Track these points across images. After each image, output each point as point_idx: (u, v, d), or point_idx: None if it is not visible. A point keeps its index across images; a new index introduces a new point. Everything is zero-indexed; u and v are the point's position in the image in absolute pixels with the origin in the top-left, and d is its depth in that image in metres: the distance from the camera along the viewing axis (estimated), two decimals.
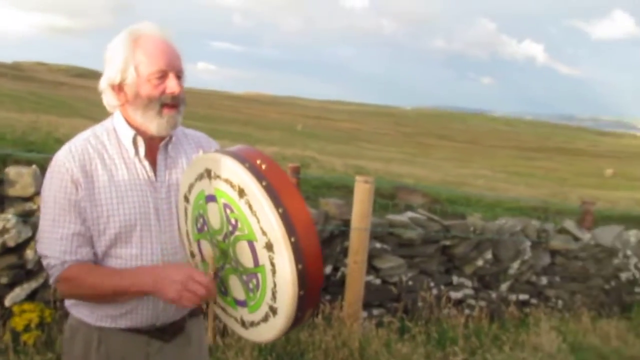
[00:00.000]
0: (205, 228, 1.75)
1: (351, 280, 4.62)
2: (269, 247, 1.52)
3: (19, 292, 3.63)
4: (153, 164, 1.87)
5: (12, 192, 3.71)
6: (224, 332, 4.03)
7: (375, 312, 5.08)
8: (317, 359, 4.08)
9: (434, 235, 5.46)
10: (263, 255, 1.55)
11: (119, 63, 1.79)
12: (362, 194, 4.58)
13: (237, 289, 1.72)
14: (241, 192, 1.56)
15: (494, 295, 5.93)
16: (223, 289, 1.79)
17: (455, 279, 5.70)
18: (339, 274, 4.85)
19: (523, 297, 6.21)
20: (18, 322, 3.49)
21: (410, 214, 5.65)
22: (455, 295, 5.61)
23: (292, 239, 1.48)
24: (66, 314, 3.43)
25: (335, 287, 4.79)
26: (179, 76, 1.81)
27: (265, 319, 1.65)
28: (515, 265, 6.06)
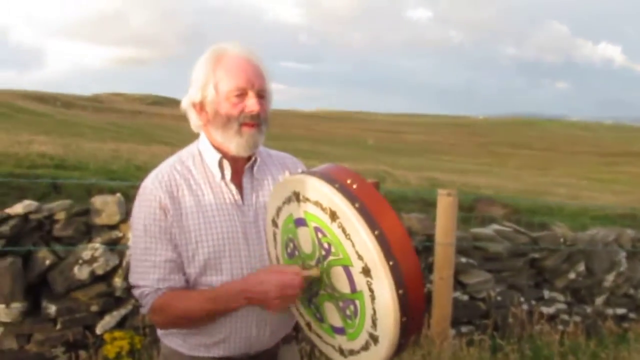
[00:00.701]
0: (297, 253, 1.69)
1: (438, 296, 4.47)
2: (367, 272, 1.44)
3: (109, 319, 3.68)
4: (239, 187, 1.83)
5: (99, 220, 3.78)
6: (310, 355, 3.96)
7: (464, 329, 4.91)
8: None
9: (521, 248, 5.24)
10: (360, 281, 1.47)
11: (200, 81, 1.77)
12: (445, 207, 4.44)
13: (333, 315, 1.65)
14: (333, 215, 1.49)
15: (589, 309, 5.63)
16: (319, 315, 1.71)
17: (546, 293, 5.45)
18: (425, 290, 4.71)
19: (621, 311, 5.87)
20: (110, 350, 3.53)
21: (495, 226, 5.46)
22: (548, 310, 5.36)
23: (391, 263, 1.40)
24: (155, 340, 3.45)
25: None
26: (261, 95, 1.77)
27: (366, 347, 1.56)
28: (611, 277, 5.75)
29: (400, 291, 1.40)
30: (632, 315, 5.94)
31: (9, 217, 3.53)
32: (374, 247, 1.40)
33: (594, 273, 5.64)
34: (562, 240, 5.46)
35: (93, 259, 3.62)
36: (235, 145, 1.77)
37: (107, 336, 3.59)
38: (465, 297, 4.97)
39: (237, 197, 1.82)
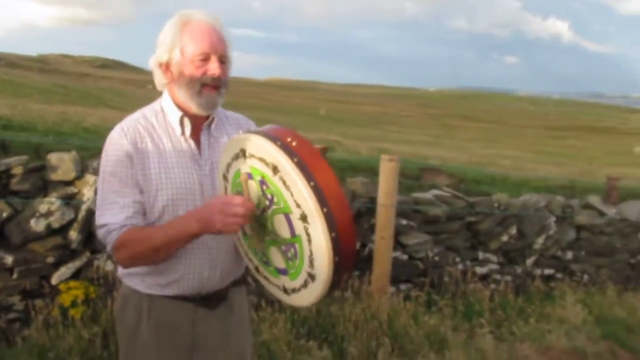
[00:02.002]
0: None
1: (378, 255, 4.76)
2: (304, 218, 1.64)
3: (65, 270, 3.84)
4: (197, 143, 2.02)
5: (55, 176, 3.91)
6: (257, 306, 4.21)
7: (403, 287, 5.23)
8: (348, 331, 4.23)
9: (459, 212, 5.57)
10: (299, 226, 1.68)
11: (167, 44, 1.94)
12: (387, 171, 4.71)
13: (277, 258, 1.86)
14: (275, 169, 1.68)
15: (519, 270, 6.04)
16: (265, 259, 1.93)
17: (480, 255, 5.82)
18: (367, 250, 5.00)
19: (548, 271, 6.30)
20: (65, 299, 3.69)
21: (435, 191, 5.77)
22: (481, 270, 5.73)
23: (325, 210, 1.60)
24: (109, 290, 3.65)
25: (363, 262, 4.94)
26: (222, 60, 1.94)
27: (305, 285, 1.78)
28: (540, 240, 6.16)
29: (333, 234, 1.61)
30: (559, 275, 6.37)
31: None
32: (310, 196, 1.60)
33: (525, 236, 6.03)
34: (496, 205, 5.82)
35: (49, 213, 3.76)
36: (195, 104, 1.95)
37: (62, 286, 3.75)
38: (405, 257, 5.28)
39: (195, 151, 2.00)
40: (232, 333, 2.18)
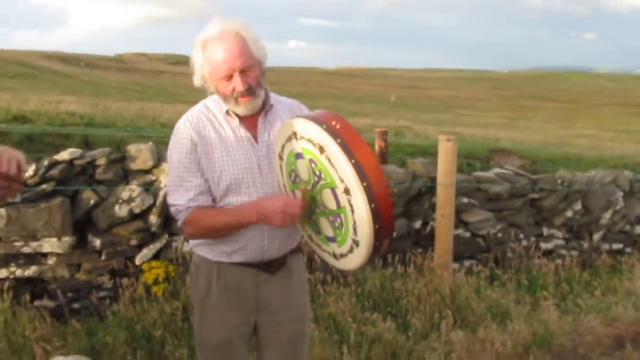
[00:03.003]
0: (297, 180, 2.14)
1: (439, 232, 4.92)
2: (347, 191, 1.89)
3: (147, 252, 4.20)
4: (255, 127, 2.26)
5: (134, 166, 4.27)
6: (324, 281, 4.46)
7: (467, 263, 5.36)
8: (411, 304, 4.41)
9: (521, 189, 5.64)
10: (343, 199, 1.93)
11: (196, 69, 2.21)
12: (445, 151, 4.85)
13: (326, 228, 2.11)
14: (321, 149, 1.93)
15: (585, 245, 6.04)
16: (317, 228, 2.18)
17: (545, 231, 5.87)
18: (429, 227, 5.16)
19: (617, 246, 6.28)
20: (148, 277, 4.06)
21: (497, 169, 5.85)
22: (546, 246, 5.79)
23: (365, 184, 1.84)
24: (187, 269, 3.99)
25: (425, 240, 5.11)
26: (245, 70, 2.13)
27: (351, 250, 2.03)
28: (607, 215, 6.14)
29: (372, 205, 1.85)
30: (628, 249, 6.33)
31: (57, 162, 4.04)
32: (352, 172, 1.85)
33: (590, 211, 6.03)
34: (559, 181, 5.84)
35: (131, 199, 4.12)
36: (238, 110, 2.22)
37: (145, 266, 4.12)
38: (467, 234, 5.41)
39: (251, 136, 2.25)
40: (292, 296, 2.44)
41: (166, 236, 4.26)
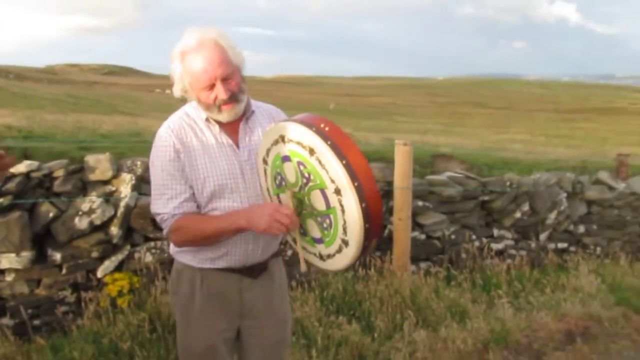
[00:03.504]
0: (283, 183, 2.17)
1: (397, 235, 5.03)
2: (338, 191, 1.93)
3: (109, 264, 4.13)
4: (236, 133, 2.29)
5: (93, 177, 4.20)
6: (289, 286, 4.49)
7: (423, 264, 5.49)
8: (374, 306, 4.50)
9: (472, 192, 5.82)
10: (333, 199, 1.97)
11: (177, 80, 2.22)
12: (402, 155, 4.98)
13: (314, 229, 2.15)
14: (311, 151, 1.97)
15: (533, 245, 6.28)
16: (302, 230, 2.22)
17: (495, 232, 6.08)
18: (387, 231, 5.27)
19: (562, 245, 6.55)
20: (112, 289, 4.00)
21: (448, 173, 6.03)
22: (497, 246, 5.98)
23: (356, 184, 1.89)
24: (151, 280, 3.96)
25: (384, 243, 5.20)
26: (226, 79, 2.16)
27: (339, 250, 2.07)
28: (553, 215, 6.39)
29: (363, 204, 1.90)
30: (572, 248, 6.61)
31: (13, 175, 3.93)
32: (343, 172, 1.89)
33: (537, 212, 6.28)
34: (508, 183, 6.06)
35: (91, 211, 4.05)
36: (221, 118, 2.23)
37: (108, 278, 4.05)
38: (423, 236, 5.55)
39: (233, 142, 2.28)
40: (275, 300, 2.47)
41: (128, 247, 4.21)
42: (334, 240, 2.07)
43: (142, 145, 9.91)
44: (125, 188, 4.21)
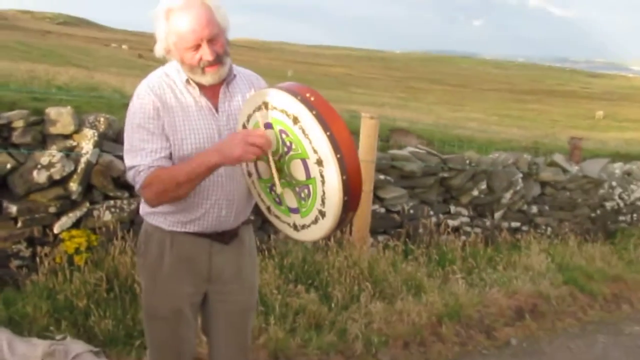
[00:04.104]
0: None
1: (359, 208, 5.05)
2: (320, 162, 1.91)
3: (66, 220, 4.02)
4: (216, 96, 2.24)
5: (54, 130, 4.05)
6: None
7: (381, 238, 5.54)
8: (332, 277, 4.53)
9: (433, 168, 5.88)
10: (314, 170, 1.95)
11: (160, 39, 2.14)
12: (368, 129, 4.98)
13: (290, 199, 2.13)
14: (295, 120, 1.94)
15: (488, 223, 6.41)
16: (278, 199, 2.20)
17: (452, 208, 6.17)
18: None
19: (515, 224, 6.70)
20: (69, 246, 3.90)
21: (410, 148, 6.07)
22: (453, 223, 6.08)
23: (338, 156, 1.87)
24: (110, 239, 3.88)
25: None
26: (212, 39, 2.11)
27: (315, 221, 2.06)
28: (508, 195, 6.53)
29: (344, 177, 1.89)
30: (524, 228, 6.78)
31: None
32: (327, 143, 1.87)
33: (494, 191, 6.39)
34: (468, 161, 6.15)
35: (50, 165, 3.92)
36: (204, 81, 2.17)
37: (65, 235, 3.95)
38: (382, 210, 5.59)
39: (212, 105, 2.22)
40: (244, 266, 2.46)
41: (87, 204, 4.10)
42: (310, 211, 2.06)
43: (100, 101, 9.69)
44: (87, 144, 4.08)
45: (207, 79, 2.16)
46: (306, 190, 2.04)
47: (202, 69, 2.13)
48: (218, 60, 2.13)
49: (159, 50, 2.18)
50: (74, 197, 4.04)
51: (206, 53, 2.09)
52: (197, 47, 2.09)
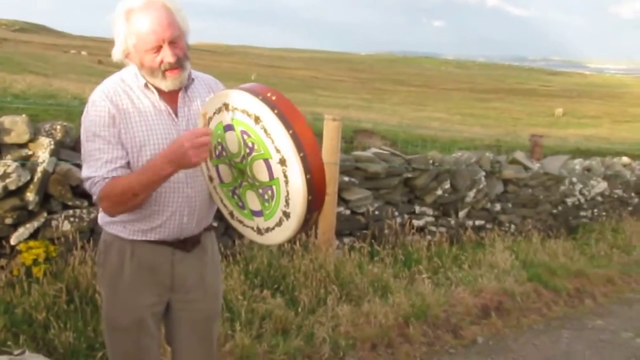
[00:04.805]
0: (224, 153, 2.10)
1: (323, 210, 5.02)
2: (283, 162, 1.88)
3: (23, 231, 3.91)
4: (174, 101, 2.20)
5: (8, 139, 3.94)
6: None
7: (347, 240, 5.53)
8: (299, 281, 4.51)
9: (397, 169, 5.90)
10: (277, 170, 1.92)
11: (119, 40, 2.09)
12: (331, 131, 4.97)
13: (253, 201, 2.10)
14: (257, 119, 1.91)
15: (452, 222, 6.46)
16: (241, 203, 2.16)
17: (417, 208, 6.20)
18: None
19: (479, 222, 6.77)
20: (26, 257, 3.79)
21: (374, 149, 6.08)
22: (418, 222, 6.11)
23: (301, 154, 1.85)
24: (69, 249, 3.78)
25: None
26: (173, 42, 2.07)
27: (279, 223, 2.02)
28: (472, 193, 6.58)
29: (308, 176, 1.86)
30: (488, 225, 6.85)
31: None
32: (289, 142, 1.84)
33: (458, 190, 6.44)
34: (431, 161, 6.18)
35: (5, 175, 3.80)
36: (163, 86, 2.13)
37: (22, 246, 3.83)
38: (348, 212, 5.59)
39: (170, 110, 2.18)
40: (207, 274, 2.41)
41: (45, 214, 4.00)
42: (274, 213, 2.02)
43: (58, 108, 9.50)
44: (43, 153, 3.98)
45: (168, 84, 2.11)
46: (270, 192, 2.00)
47: (163, 72, 2.08)
48: (179, 64, 2.10)
49: (117, 54, 2.12)
50: (30, 207, 3.93)
51: (167, 55, 2.05)
52: (158, 49, 2.05)
